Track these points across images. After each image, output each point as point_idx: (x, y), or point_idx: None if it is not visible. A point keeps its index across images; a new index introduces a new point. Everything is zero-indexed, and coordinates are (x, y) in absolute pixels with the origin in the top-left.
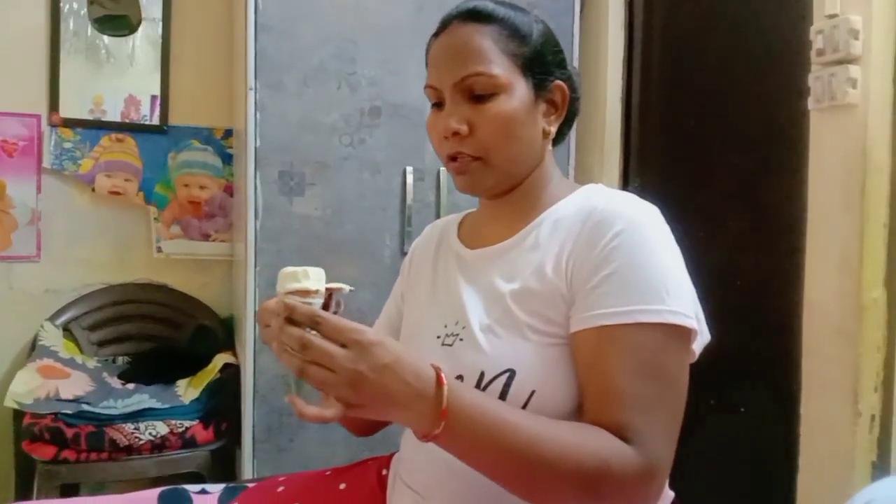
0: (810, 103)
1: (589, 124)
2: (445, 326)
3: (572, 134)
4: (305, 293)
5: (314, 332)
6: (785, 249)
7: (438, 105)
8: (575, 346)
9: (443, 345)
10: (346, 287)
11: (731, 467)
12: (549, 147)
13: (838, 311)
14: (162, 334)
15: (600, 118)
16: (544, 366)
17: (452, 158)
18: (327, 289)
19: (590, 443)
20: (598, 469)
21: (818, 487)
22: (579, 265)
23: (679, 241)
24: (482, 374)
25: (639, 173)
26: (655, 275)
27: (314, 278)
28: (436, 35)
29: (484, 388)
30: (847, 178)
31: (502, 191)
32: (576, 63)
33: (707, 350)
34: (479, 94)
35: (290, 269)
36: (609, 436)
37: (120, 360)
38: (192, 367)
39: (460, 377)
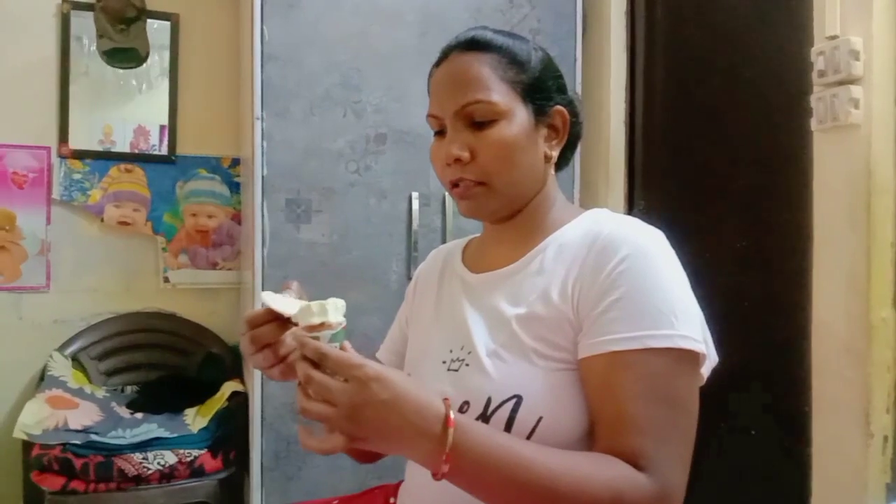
0: (813, 124)
1: (593, 146)
2: (451, 351)
3: (577, 156)
4: (318, 327)
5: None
6: (792, 269)
7: (441, 133)
8: (584, 373)
9: (448, 370)
10: (340, 301)
11: (743, 490)
12: (552, 171)
13: (847, 332)
14: (170, 363)
15: (604, 140)
16: (551, 391)
17: (455, 185)
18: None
19: (603, 474)
20: (612, 500)
21: None
22: (586, 290)
23: (685, 262)
24: (489, 400)
25: (644, 195)
26: (663, 299)
27: (331, 310)
28: (437, 65)
29: (491, 414)
30: (852, 198)
31: (506, 215)
32: (579, 86)
33: (716, 372)
34: (479, 120)
35: (311, 303)
36: (622, 465)
37: (129, 389)
38: (200, 395)
39: (466, 403)
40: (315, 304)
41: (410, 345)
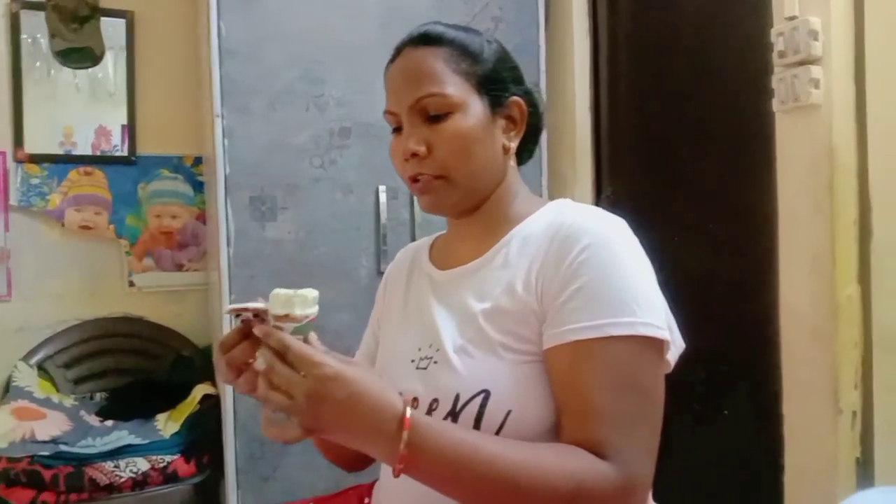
0: (775, 105)
1: (559, 135)
2: (419, 350)
3: (543, 146)
4: (283, 318)
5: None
6: (759, 252)
7: (398, 130)
8: (549, 363)
9: (417, 368)
10: (313, 292)
11: (717, 471)
12: (513, 163)
13: (813, 311)
14: (140, 367)
15: (570, 128)
16: (519, 385)
17: (415, 180)
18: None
19: (565, 465)
20: (575, 491)
21: (804, 487)
22: (549, 281)
23: (655, 247)
24: (457, 396)
25: (611, 181)
26: (624, 287)
27: (297, 303)
28: (391, 61)
29: (460, 410)
30: (815, 179)
31: (467, 208)
32: (543, 74)
33: (688, 355)
34: (434, 114)
35: (280, 291)
36: (585, 455)
37: (98, 396)
38: (171, 399)
39: (436, 400)
40: (283, 294)
41: (381, 346)
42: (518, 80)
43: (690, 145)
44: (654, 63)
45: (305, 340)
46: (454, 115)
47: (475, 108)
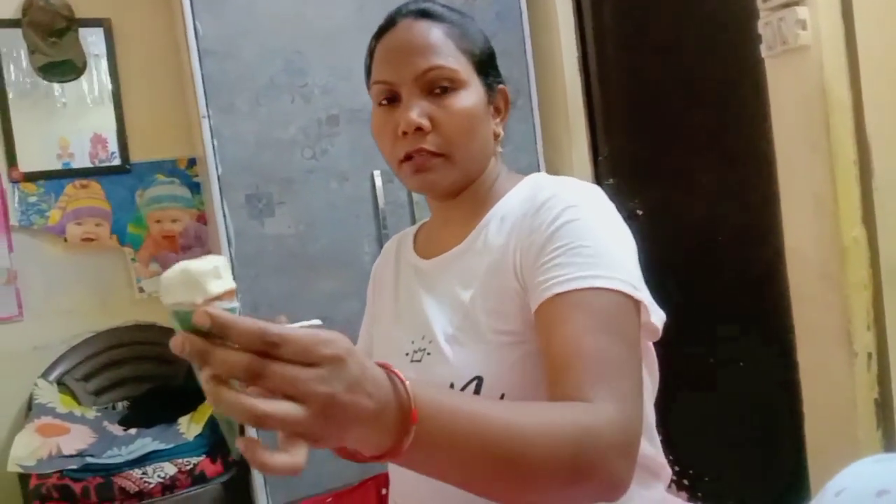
0: (763, 50)
1: (551, 99)
2: (413, 342)
3: (535, 111)
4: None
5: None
6: (760, 198)
7: (389, 102)
8: (538, 323)
9: (412, 361)
10: (317, 322)
11: (738, 421)
12: (500, 149)
13: (819, 255)
14: (157, 373)
15: (561, 91)
16: (511, 369)
17: (408, 157)
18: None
19: (567, 415)
20: (581, 437)
21: (824, 432)
22: (525, 253)
23: (656, 203)
24: (451, 386)
25: (607, 140)
26: (601, 250)
27: (225, 272)
28: (383, 31)
29: None
30: (810, 120)
31: (457, 190)
32: (528, 39)
33: (699, 307)
34: (440, 88)
35: (181, 266)
36: (583, 405)
37: (119, 405)
38: (191, 401)
39: None
40: (179, 272)
41: (376, 342)
42: (498, 70)
43: (682, 98)
44: (640, 16)
45: None
46: (459, 91)
47: (476, 88)
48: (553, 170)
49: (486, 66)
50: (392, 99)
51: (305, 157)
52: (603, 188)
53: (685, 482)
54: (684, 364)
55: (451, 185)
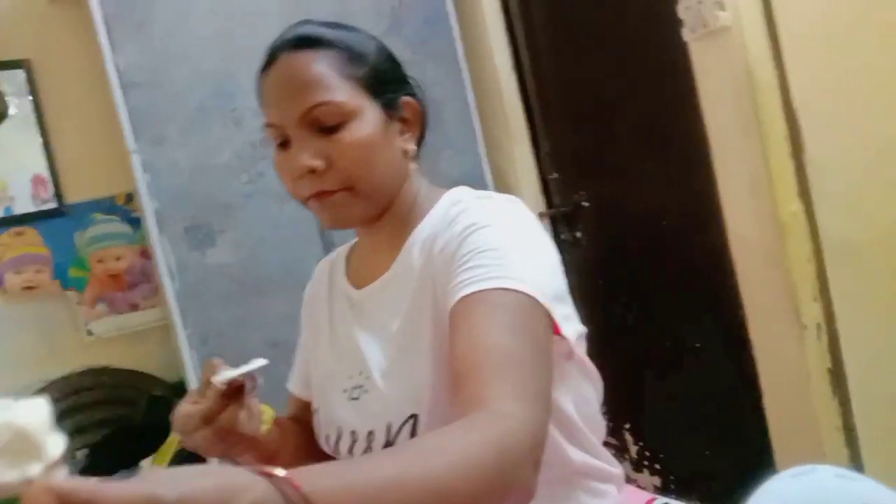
0: (685, 34)
1: (487, 100)
2: (350, 378)
3: (474, 114)
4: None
5: None
6: (699, 183)
7: (283, 145)
8: (449, 329)
9: (350, 399)
10: (262, 362)
11: (700, 401)
12: (414, 165)
13: (761, 234)
14: (115, 416)
15: (496, 91)
16: (444, 404)
17: (312, 197)
18: (242, 378)
19: (479, 437)
20: (499, 456)
21: (783, 405)
22: (440, 268)
23: (601, 195)
24: (389, 426)
25: (548, 137)
26: (511, 256)
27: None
28: (265, 69)
29: (394, 440)
30: (738, 101)
31: (371, 219)
32: (458, 42)
33: (654, 293)
34: (327, 125)
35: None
36: (491, 416)
37: (79, 454)
38: (152, 442)
39: (371, 433)
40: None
41: (314, 373)
42: (404, 78)
43: (616, 88)
44: (568, 10)
45: None
46: (350, 123)
47: (370, 113)
48: (497, 170)
49: (380, 83)
50: (285, 141)
51: (242, 181)
52: (548, 182)
53: (656, 466)
54: (643, 352)
55: (362, 216)
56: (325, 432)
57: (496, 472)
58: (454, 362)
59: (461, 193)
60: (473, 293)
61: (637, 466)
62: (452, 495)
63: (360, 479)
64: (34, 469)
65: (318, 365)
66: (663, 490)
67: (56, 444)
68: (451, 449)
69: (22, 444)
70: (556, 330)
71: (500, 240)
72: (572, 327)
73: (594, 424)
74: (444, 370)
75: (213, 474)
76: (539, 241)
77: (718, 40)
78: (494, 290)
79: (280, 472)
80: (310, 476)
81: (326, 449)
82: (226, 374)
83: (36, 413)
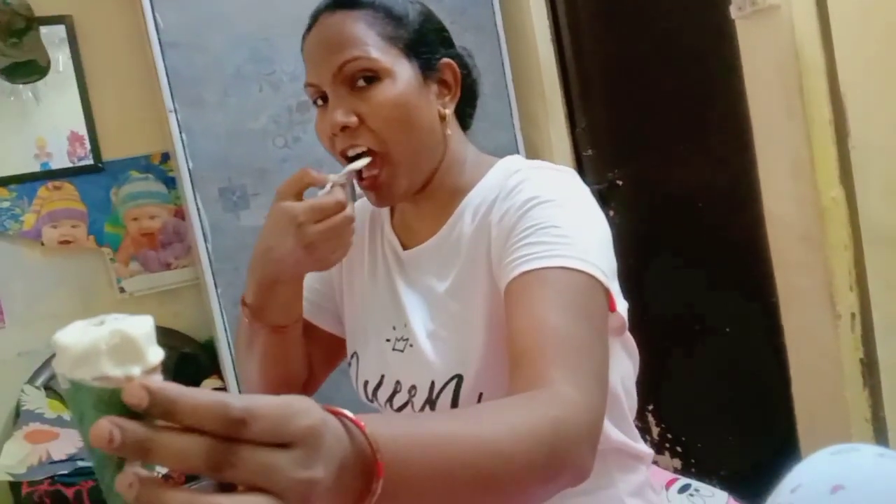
0: (733, 12)
1: (525, 73)
2: (394, 329)
3: (510, 89)
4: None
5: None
6: (739, 163)
7: (322, 105)
8: (505, 304)
9: (394, 349)
10: (364, 161)
11: (727, 386)
12: (454, 130)
13: (799, 218)
14: None
15: (534, 65)
16: (490, 367)
17: (344, 155)
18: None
19: (536, 412)
20: (554, 431)
21: (812, 393)
22: (496, 238)
23: (637, 173)
24: (433, 384)
25: (584, 112)
26: (573, 233)
27: (118, 353)
28: (307, 31)
29: (436, 398)
30: (784, 83)
31: (418, 189)
32: (498, 14)
33: (685, 275)
34: (360, 80)
35: (112, 328)
36: (548, 394)
37: None
38: None
39: (414, 387)
40: (108, 333)
41: (349, 314)
42: (447, 42)
43: (658, 65)
44: None
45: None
46: (382, 81)
47: (405, 73)
48: (531, 145)
49: (418, 44)
50: (325, 99)
51: (278, 146)
52: (582, 160)
53: (678, 449)
54: (671, 333)
55: (407, 189)
56: (364, 377)
57: (553, 448)
58: (512, 337)
59: (517, 162)
60: (534, 270)
61: (658, 448)
62: (509, 460)
63: (420, 431)
64: (135, 370)
65: (355, 307)
66: (683, 473)
67: (156, 353)
68: (512, 417)
69: (128, 349)
70: (611, 307)
71: (562, 216)
72: (622, 304)
73: (631, 402)
74: (495, 337)
75: (280, 397)
76: (596, 215)
77: (766, 19)
78: (556, 268)
79: (346, 412)
80: (373, 421)
81: (361, 394)
82: (338, 174)
83: (143, 326)
